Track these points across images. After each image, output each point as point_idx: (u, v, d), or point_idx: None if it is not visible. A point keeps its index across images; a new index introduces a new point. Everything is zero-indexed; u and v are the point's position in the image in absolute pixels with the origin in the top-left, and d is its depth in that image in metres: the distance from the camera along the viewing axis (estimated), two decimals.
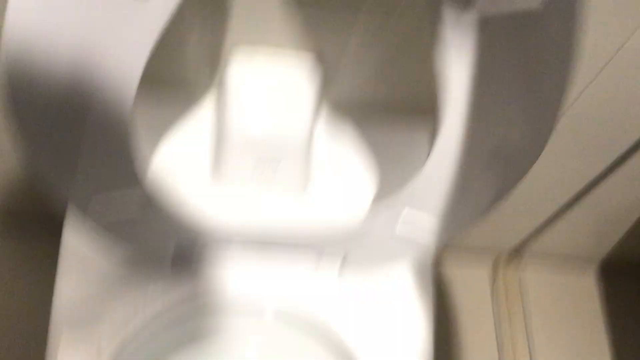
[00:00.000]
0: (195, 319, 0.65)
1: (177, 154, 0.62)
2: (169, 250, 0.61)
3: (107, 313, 0.61)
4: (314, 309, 0.63)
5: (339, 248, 0.61)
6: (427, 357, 0.64)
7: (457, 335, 1.08)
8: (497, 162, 0.49)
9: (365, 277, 0.65)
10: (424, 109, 0.63)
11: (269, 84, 0.58)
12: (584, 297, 1.15)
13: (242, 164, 0.60)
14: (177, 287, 0.63)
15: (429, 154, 0.49)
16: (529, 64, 0.42)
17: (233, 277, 0.63)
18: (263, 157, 0.59)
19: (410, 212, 0.55)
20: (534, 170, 0.50)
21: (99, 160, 0.47)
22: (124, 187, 0.50)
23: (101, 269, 0.63)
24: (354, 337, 0.63)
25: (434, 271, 0.67)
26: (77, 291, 0.62)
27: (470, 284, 1.12)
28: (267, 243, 0.62)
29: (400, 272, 0.65)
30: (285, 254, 0.63)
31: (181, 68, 0.61)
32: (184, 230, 0.58)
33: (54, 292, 0.62)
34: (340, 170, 0.63)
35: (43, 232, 1.05)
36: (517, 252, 1.13)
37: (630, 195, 0.94)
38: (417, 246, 0.60)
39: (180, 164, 0.61)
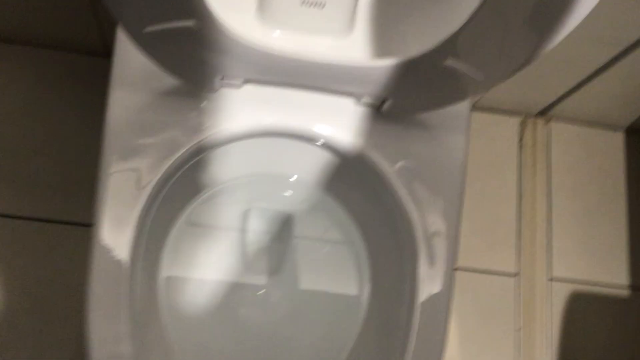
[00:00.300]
0: (242, 148, 0.69)
1: None
2: (214, 84, 0.64)
3: (151, 144, 0.65)
4: (356, 142, 0.67)
5: (382, 90, 0.64)
6: (460, 196, 0.68)
7: (481, 181, 1.12)
8: (539, 17, 0.50)
9: (406, 117, 0.68)
10: None
11: None
12: (607, 159, 1.18)
13: (288, 4, 0.60)
14: (220, 120, 0.66)
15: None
16: None
17: (278, 110, 0.67)
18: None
19: (451, 61, 0.57)
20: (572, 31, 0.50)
21: None
22: (176, 18, 0.52)
23: (149, 98, 0.66)
24: (393, 170, 0.67)
25: (470, 120, 0.70)
26: (126, 118, 0.66)
27: (499, 135, 1.15)
28: (310, 84, 0.65)
29: (440, 117, 0.68)
30: (329, 94, 0.66)
31: None
32: (229, 64, 0.61)
33: (105, 120, 0.66)
34: (386, 14, 0.64)
35: (94, 64, 1.08)
36: (548, 111, 1.15)
37: None
38: (456, 93, 0.63)
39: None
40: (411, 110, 0.67)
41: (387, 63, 0.59)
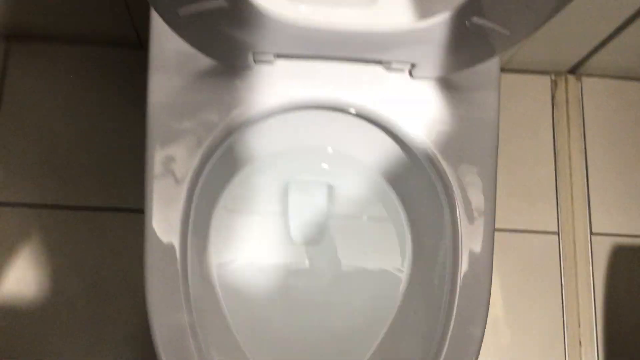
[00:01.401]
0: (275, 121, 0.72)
1: None
2: (248, 61, 0.66)
3: (191, 125, 0.68)
4: (388, 109, 0.69)
5: (410, 55, 0.65)
6: (495, 153, 0.70)
7: (516, 141, 1.13)
8: None
9: (435, 80, 0.69)
10: None
11: None
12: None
13: None
14: (255, 95, 0.69)
15: None
16: None
17: (310, 83, 0.69)
18: None
19: (477, 18, 0.58)
20: None
21: None
22: None
23: (186, 80, 0.69)
24: (427, 134, 0.69)
25: (499, 77, 0.71)
26: (167, 101, 0.69)
27: (532, 95, 1.15)
28: (340, 54, 0.67)
29: (469, 76, 0.69)
30: (358, 63, 0.68)
31: None
32: (262, 41, 0.63)
33: (147, 105, 0.69)
34: None
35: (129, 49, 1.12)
36: (578, 68, 1.14)
37: None
38: (484, 51, 0.64)
39: None
40: (441, 72, 0.68)
41: (413, 27, 0.60)
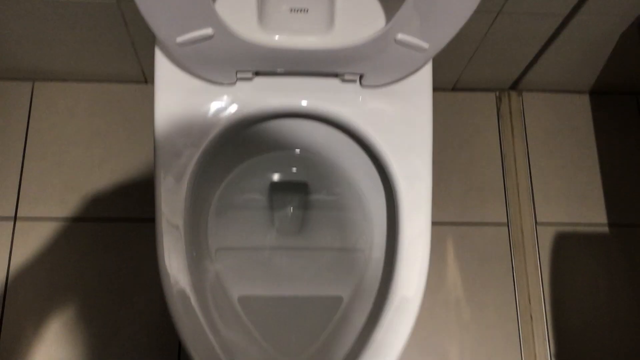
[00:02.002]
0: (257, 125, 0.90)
1: (232, 6, 0.84)
2: (232, 78, 0.86)
3: (186, 138, 0.86)
4: (342, 110, 0.88)
5: (357, 66, 0.84)
6: (429, 149, 0.88)
7: (468, 149, 1.32)
8: None
9: (380, 88, 0.88)
10: None
11: None
12: (576, 119, 1.36)
13: (280, 12, 0.82)
14: (237, 105, 0.88)
15: None
16: None
17: (281, 94, 0.88)
18: (295, 7, 0.81)
19: (401, 36, 0.78)
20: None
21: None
22: (197, 28, 0.74)
23: (183, 96, 0.88)
24: (373, 131, 0.88)
25: (431, 85, 0.91)
26: (168, 118, 0.87)
27: (480, 110, 1.35)
28: (304, 70, 0.86)
29: (407, 84, 0.89)
30: (319, 77, 0.88)
31: None
32: (241, 61, 0.83)
33: (154, 120, 0.88)
34: (357, 12, 0.85)
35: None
36: (517, 84, 1.34)
37: (603, 26, 1.12)
38: (412, 63, 0.83)
39: (235, 12, 0.84)
40: (384, 80, 0.87)
41: (357, 43, 0.80)
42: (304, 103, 0.88)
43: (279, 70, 0.86)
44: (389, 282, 0.85)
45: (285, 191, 1.04)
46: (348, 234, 1.02)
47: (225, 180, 1.01)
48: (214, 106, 0.87)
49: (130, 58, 1.22)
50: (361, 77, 0.87)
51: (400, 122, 0.89)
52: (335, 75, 0.88)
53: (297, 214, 1.05)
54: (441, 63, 1.22)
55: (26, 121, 1.27)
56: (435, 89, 1.30)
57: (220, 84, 0.87)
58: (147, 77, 1.29)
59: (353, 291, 0.95)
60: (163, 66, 0.88)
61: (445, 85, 1.34)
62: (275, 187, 1.04)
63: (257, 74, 0.88)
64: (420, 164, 0.88)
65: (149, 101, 0.87)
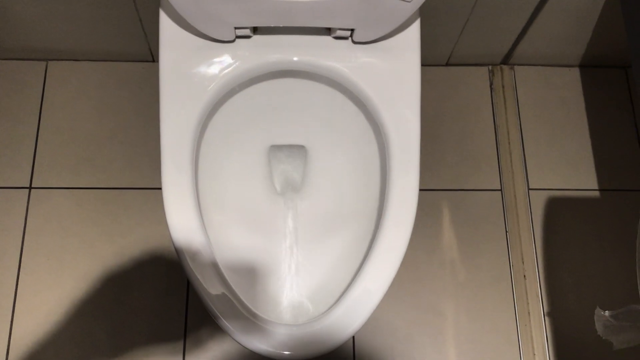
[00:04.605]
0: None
1: None
2: (231, 35, 0.92)
3: (190, 93, 0.92)
4: (335, 65, 0.94)
5: (348, 21, 0.90)
6: (417, 100, 0.93)
7: (463, 120, 1.37)
8: None
9: (371, 44, 0.94)
10: None
11: None
12: (566, 91, 1.41)
13: None
14: (238, 56, 0.94)
15: None
16: None
17: (279, 50, 0.94)
18: None
19: None
20: None
21: None
22: None
23: (186, 53, 0.94)
24: (364, 84, 0.93)
25: (420, 41, 0.96)
26: (174, 70, 0.93)
27: (474, 83, 1.40)
28: (300, 23, 0.92)
29: (396, 41, 0.94)
30: (313, 34, 0.94)
31: None
32: (240, 15, 0.89)
33: (159, 77, 0.94)
34: None
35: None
36: (509, 58, 1.40)
37: None
38: (397, 16, 0.89)
39: None
40: (374, 36, 0.93)
41: None
42: (298, 58, 0.94)
43: (272, 24, 0.92)
44: (385, 204, 0.90)
45: (285, 151, 1.10)
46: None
47: (228, 140, 1.06)
48: (215, 61, 0.93)
49: (138, 37, 1.29)
50: (352, 33, 0.93)
51: (390, 75, 0.94)
52: (329, 32, 0.94)
53: (295, 176, 1.10)
54: (434, 38, 1.28)
55: (40, 98, 1.34)
56: (430, 64, 1.37)
57: (220, 41, 0.93)
58: (154, 56, 1.36)
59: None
60: (167, 26, 0.94)
61: (439, 60, 1.40)
62: (275, 150, 1.09)
63: (255, 32, 0.94)
64: (409, 113, 0.93)
65: (156, 78, 0.93)
